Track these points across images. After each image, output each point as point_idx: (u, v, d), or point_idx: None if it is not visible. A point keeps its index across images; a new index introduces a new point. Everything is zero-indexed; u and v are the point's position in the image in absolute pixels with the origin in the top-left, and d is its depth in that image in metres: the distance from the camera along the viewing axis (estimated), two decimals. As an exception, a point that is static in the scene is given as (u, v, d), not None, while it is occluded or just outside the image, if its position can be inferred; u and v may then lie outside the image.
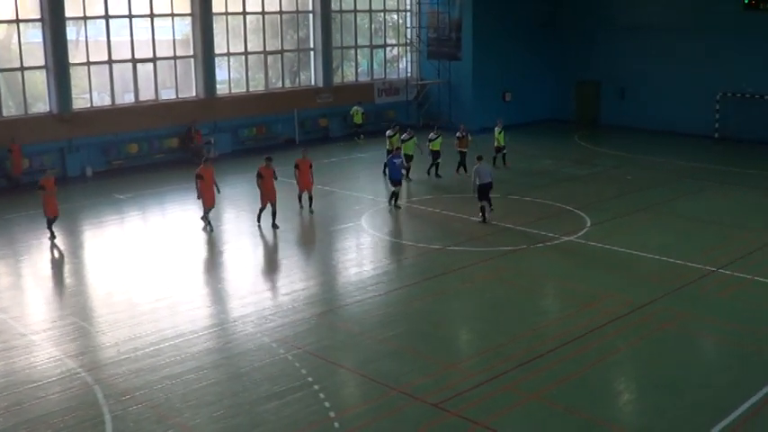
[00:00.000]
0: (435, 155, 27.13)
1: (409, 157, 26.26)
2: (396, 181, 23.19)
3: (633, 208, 23.29)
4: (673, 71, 36.47)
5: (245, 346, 14.00)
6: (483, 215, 21.58)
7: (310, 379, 12.63)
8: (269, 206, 21.31)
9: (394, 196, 23.22)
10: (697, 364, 13.45)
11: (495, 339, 14.32)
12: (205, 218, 21.21)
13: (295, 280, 17.73)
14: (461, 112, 36.75)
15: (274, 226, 21.10)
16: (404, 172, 24.86)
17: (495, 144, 28.76)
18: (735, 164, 29.84)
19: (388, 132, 28.14)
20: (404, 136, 26.94)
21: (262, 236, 20.89)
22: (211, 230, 21.05)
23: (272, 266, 19.25)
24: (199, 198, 21.11)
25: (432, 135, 27.26)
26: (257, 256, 19.89)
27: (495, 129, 28.80)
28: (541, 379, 12.61)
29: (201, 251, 19.95)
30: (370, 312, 15.63)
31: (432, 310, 15.92)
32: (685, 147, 33.50)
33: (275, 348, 13.84)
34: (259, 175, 21.22)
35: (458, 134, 27.82)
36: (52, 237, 20.30)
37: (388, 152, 25.05)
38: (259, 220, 21.45)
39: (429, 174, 27.34)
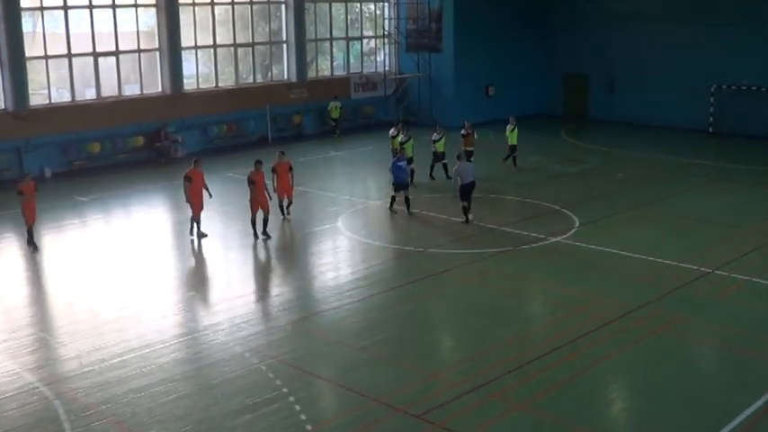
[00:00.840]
0: (441, 156, 26.47)
1: (410, 160, 25.17)
2: (400, 185, 22.70)
3: (624, 207, 23.42)
4: (664, 63, 36.72)
5: (216, 357, 13.92)
6: (466, 216, 21.64)
7: (285, 390, 12.58)
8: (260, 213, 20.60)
9: (405, 201, 22.62)
10: (692, 370, 13.51)
11: (481, 346, 14.34)
12: (193, 226, 20.66)
13: (269, 286, 17.69)
14: (443, 107, 36.89)
15: (265, 234, 20.53)
16: (409, 179, 24.40)
17: (510, 143, 28.19)
18: (731, 159, 30.12)
19: (391, 131, 27.45)
20: (401, 138, 26.04)
21: (233, 239, 20.80)
22: (204, 236, 20.53)
23: (244, 272, 19.14)
24: (187, 202, 20.60)
25: (435, 135, 26.53)
26: (229, 260, 19.75)
27: (507, 126, 28.26)
28: (529, 387, 12.64)
29: (169, 256, 19.84)
30: (348, 319, 15.61)
31: (413, 315, 15.92)
32: (678, 142, 33.79)
33: (248, 358, 13.78)
34: (250, 182, 20.40)
35: (462, 132, 27.06)
36: (35, 248, 19.89)
37: (394, 152, 24.57)
38: (255, 227, 20.56)
39: (449, 177, 26.02)
